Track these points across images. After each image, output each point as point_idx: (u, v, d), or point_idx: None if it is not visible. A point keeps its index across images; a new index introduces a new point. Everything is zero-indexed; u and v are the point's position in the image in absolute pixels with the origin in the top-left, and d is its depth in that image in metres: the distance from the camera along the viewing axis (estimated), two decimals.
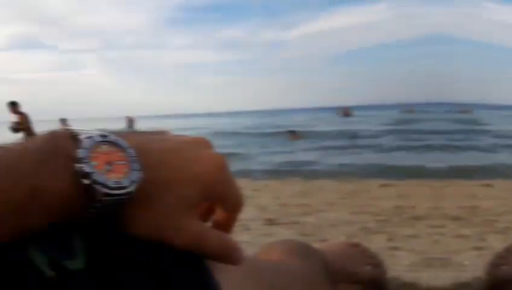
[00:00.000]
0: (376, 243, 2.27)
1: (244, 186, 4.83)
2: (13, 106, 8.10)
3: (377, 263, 1.07)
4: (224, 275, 0.45)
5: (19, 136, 7.76)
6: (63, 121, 13.42)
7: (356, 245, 1.09)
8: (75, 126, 0.40)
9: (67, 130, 0.39)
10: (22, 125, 8.24)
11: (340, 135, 16.28)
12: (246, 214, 3.26)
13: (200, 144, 0.44)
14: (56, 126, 0.40)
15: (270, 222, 2.91)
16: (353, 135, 15.72)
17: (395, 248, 2.16)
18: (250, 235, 2.62)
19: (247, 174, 6.91)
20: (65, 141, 0.37)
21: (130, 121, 30.19)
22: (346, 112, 38.06)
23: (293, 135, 16.84)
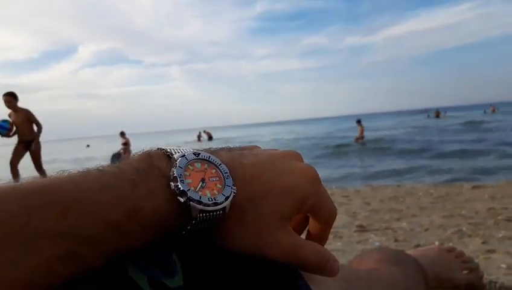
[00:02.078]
0: (471, 247, 2.24)
1: (334, 192, 4.87)
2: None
3: (473, 268, 1.10)
4: (321, 288, 0.47)
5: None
6: (122, 134, 13.66)
7: (451, 250, 1.12)
8: (163, 144, 0.42)
9: (161, 149, 0.40)
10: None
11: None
12: (337, 221, 3.31)
13: (291, 156, 0.45)
14: (149, 142, 0.40)
15: (362, 229, 2.91)
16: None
17: (491, 251, 2.11)
18: (342, 242, 2.63)
19: (335, 181, 6.91)
20: (159, 160, 0.38)
21: (208, 134, 31.72)
22: (436, 113, 39.40)
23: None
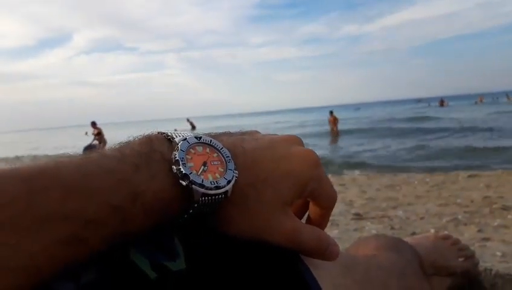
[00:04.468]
0: (466, 235, 2.25)
1: (331, 180, 4.90)
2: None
3: (468, 255, 1.11)
4: (321, 272, 0.45)
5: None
6: (93, 124, 13.31)
7: (447, 237, 1.13)
8: (160, 128, 0.41)
9: (161, 133, 0.40)
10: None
11: None
12: (334, 209, 3.28)
13: (292, 141, 0.45)
14: (145, 129, 0.40)
15: (359, 217, 2.92)
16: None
17: (486, 239, 2.12)
18: (339, 230, 2.64)
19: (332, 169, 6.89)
20: (160, 144, 0.38)
21: (191, 123, 31.86)
22: (441, 102, 42.28)
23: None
